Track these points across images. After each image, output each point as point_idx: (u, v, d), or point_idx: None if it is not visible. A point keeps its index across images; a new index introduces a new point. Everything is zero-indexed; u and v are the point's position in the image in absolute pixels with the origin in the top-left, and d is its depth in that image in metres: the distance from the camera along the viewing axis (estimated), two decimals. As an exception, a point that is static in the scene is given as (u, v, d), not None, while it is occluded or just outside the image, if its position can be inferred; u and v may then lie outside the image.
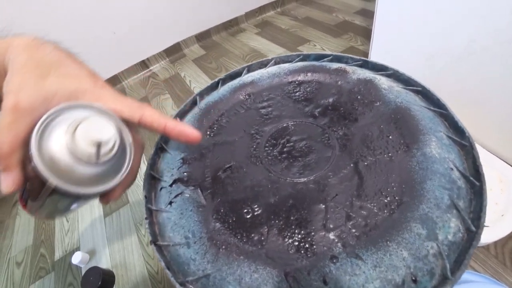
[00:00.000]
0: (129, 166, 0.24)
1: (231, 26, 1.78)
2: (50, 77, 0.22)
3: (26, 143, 0.20)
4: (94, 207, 1.04)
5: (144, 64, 1.61)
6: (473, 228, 0.23)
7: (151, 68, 1.63)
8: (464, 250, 0.22)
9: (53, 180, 0.20)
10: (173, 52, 1.66)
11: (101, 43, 1.43)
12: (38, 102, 0.21)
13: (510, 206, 0.64)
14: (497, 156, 0.74)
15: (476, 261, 0.67)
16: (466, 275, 0.55)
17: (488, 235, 0.61)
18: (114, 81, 1.56)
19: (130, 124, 0.25)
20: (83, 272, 0.84)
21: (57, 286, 0.86)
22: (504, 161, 0.73)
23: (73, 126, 0.21)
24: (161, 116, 0.26)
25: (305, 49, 1.41)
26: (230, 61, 1.47)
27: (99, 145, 0.22)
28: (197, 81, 1.42)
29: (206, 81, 1.39)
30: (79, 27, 1.34)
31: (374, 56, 1.03)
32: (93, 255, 0.90)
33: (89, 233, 0.97)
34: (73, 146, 0.21)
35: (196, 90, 1.36)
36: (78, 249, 0.93)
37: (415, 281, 0.21)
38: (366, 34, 1.39)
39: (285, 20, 1.73)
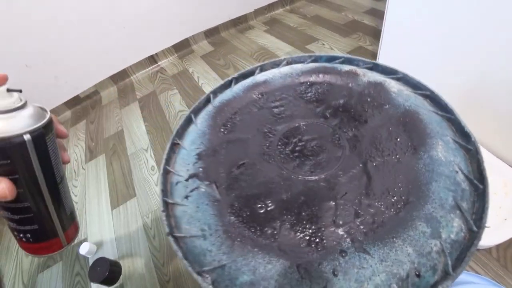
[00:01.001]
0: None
1: (240, 23, 1.78)
2: None
3: None
4: (102, 200, 1.06)
5: (152, 59, 1.62)
6: (475, 229, 0.24)
7: (159, 63, 1.65)
8: (465, 249, 0.24)
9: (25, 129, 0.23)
10: (182, 47, 1.68)
11: (110, 38, 1.45)
12: None
13: (513, 210, 0.64)
14: (502, 161, 0.75)
15: (477, 264, 0.68)
16: (467, 277, 0.56)
17: (491, 238, 0.62)
18: (122, 75, 1.58)
19: None
20: (90, 263, 0.86)
21: (65, 275, 0.89)
22: (510, 166, 0.73)
23: None
24: None
25: (313, 48, 1.42)
26: (239, 58, 1.48)
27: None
28: (205, 77, 1.43)
29: (215, 78, 1.40)
30: (89, 21, 1.35)
31: (383, 56, 1.04)
32: (100, 246, 0.92)
33: (96, 225, 0.99)
34: None
35: (205, 87, 1.38)
36: (85, 240, 0.95)
37: (418, 275, 0.22)
38: (375, 34, 1.39)
39: (294, 18, 1.73)
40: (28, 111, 0.25)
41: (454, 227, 0.25)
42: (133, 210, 0.99)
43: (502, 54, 0.66)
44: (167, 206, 0.31)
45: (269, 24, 1.74)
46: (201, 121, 0.38)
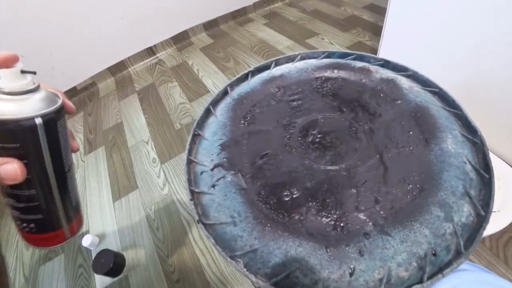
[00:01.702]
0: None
1: (239, 16, 1.78)
2: None
3: None
4: (103, 192, 1.06)
5: (151, 51, 1.61)
6: (483, 213, 0.27)
7: (158, 55, 1.64)
8: (475, 231, 0.26)
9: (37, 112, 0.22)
10: (181, 40, 1.67)
11: (108, 28, 1.43)
12: None
13: (506, 202, 0.68)
14: (495, 155, 0.79)
15: (472, 253, 0.72)
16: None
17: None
18: (120, 67, 1.57)
19: None
20: (93, 255, 0.87)
21: (67, 267, 0.89)
22: (502, 160, 0.77)
23: None
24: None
25: (313, 42, 1.43)
26: (238, 51, 1.48)
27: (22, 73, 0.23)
28: (205, 70, 1.44)
29: (215, 71, 1.40)
30: (86, 11, 1.33)
31: (383, 52, 1.06)
32: (102, 239, 0.93)
33: (98, 217, 0.99)
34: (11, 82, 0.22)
35: (205, 79, 1.39)
36: (87, 232, 0.95)
37: (434, 254, 0.25)
38: (374, 29, 1.41)
39: (293, 12, 1.73)
40: (40, 95, 0.24)
41: (465, 211, 0.27)
42: (135, 202, 1.00)
43: (504, 51, 0.68)
44: (193, 195, 0.33)
45: (268, 17, 1.74)
46: (221, 112, 0.39)
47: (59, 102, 0.25)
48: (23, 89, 0.23)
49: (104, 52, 1.49)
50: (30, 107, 0.23)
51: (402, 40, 0.97)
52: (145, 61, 1.62)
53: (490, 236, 0.73)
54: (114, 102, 1.43)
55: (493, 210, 0.27)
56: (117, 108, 1.39)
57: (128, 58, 1.57)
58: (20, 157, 0.23)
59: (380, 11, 0.98)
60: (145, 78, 1.51)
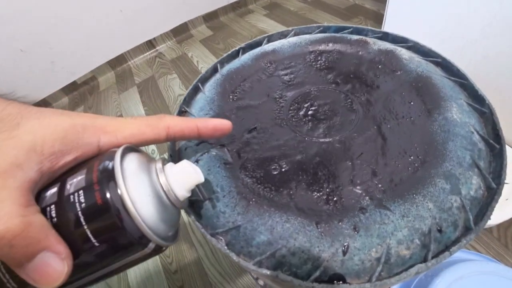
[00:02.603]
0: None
1: (239, 7, 1.75)
2: (22, 127, 0.17)
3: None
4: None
5: (150, 44, 1.59)
6: (494, 185, 0.24)
7: (157, 48, 1.62)
8: (485, 204, 0.23)
9: (156, 239, 0.17)
10: (180, 32, 1.65)
11: (107, 21, 1.41)
12: (22, 156, 0.16)
13: (515, 191, 0.65)
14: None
15: (479, 243, 0.69)
16: (466, 255, 0.56)
17: (492, 218, 0.62)
18: (120, 60, 1.56)
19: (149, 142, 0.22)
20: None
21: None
22: (510, 146, 0.74)
23: (159, 170, 0.20)
24: (185, 119, 0.24)
25: (314, 32, 1.40)
26: (239, 42, 1.45)
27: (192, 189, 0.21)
28: (205, 61, 1.41)
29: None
30: (86, 5, 1.32)
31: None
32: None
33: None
34: (170, 191, 0.19)
35: (204, 70, 1.35)
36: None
37: (440, 231, 0.22)
38: (376, 18, 1.38)
39: (294, 2, 1.70)
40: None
41: (473, 184, 0.24)
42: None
43: (507, 37, 0.65)
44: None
45: (268, 8, 1.71)
46: (209, 89, 0.37)
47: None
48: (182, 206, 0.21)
49: (103, 46, 1.48)
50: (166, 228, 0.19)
51: (404, 28, 0.93)
52: (144, 54, 1.60)
53: (498, 226, 0.70)
54: (114, 95, 1.42)
55: (506, 182, 0.24)
56: (117, 101, 1.38)
57: (128, 51, 1.55)
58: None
59: (383, -2, 0.95)
60: (145, 71, 1.50)
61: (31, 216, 0.15)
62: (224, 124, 0.25)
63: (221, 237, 0.25)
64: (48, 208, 0.16)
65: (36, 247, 0.14)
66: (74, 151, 0.18)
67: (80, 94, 1.50)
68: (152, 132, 0.22)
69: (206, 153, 0.29)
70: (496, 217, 0.63)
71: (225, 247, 0.23)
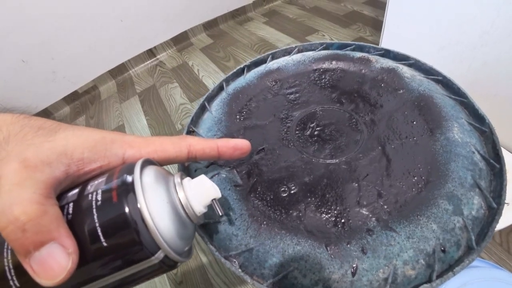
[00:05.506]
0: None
1: (239, 15, 1.77)
2: (59, 135, 0.19)
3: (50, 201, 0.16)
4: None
5: (151, 53, 1.61)
6: (494, 205, 0.25)
7: (158, 56, 1.63)
8: (487, 224, 0.24)
9: (169, 250, 0.17)
10: (181, 40, 1.66)
11: (108, 31, 1.43)
12: (53, 157, 0.18)
13: (516, 195, 0.66)
14: (504, 148, 0.76)
15: (482, 248, 0.70)
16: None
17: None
18: (121, 69, 1.57)
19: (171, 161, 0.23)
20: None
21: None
22: (510, 152, 0.75)
23: (178, 184, 0.20)
24: (206, 139, 0.25)
25: (313, 39, 1.41)
26: (238, 50, 1.47)
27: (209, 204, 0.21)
28: (205, 70, 1.43)
29: (215, 70, 1.39)
30: (86, 15, 1.33)
31: (385, 46, 1.04)
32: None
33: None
34: (188, 205, 0.19)
35: (205, 79, 1.37)
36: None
37: (444, 251, 0.23)
38: (375, 24, 1.39)
39: (293, 9, 1.72)
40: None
41: (475, 204, 0.25)
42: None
43: (506, 44, 0.67)
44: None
45: (268, 15, 1.73)
46: (216, 108, 0.38)
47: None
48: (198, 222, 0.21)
49: (104, 55, 1.49)
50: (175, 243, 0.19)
51: (404, 34, 0.95)
52: (145, 63, 1.61)
53: (500, 231, 0.71)
54: (115, 104, 1.43)
55: (506, 202, 0.26)
56: (118, 110, 1.39)
57: (129, 60, 1.57)
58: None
59: (381, 5, 0.97)
60: (146, 80, 1.51)
61: (48, 206, 0.16)
62: (244, 143, 0.26)
63: (234, 260, 0.25)
64: (66, 206, 0.17)
65: (46, 236, 0.15)
66: (101, 160, 0.20)
67: (81, 103, 1.51)
68: (174, 150, 0.23)
69: (216, 175, 0.30)
70: (498, 223, 0.63)
71: (239, 270, 0.24)
